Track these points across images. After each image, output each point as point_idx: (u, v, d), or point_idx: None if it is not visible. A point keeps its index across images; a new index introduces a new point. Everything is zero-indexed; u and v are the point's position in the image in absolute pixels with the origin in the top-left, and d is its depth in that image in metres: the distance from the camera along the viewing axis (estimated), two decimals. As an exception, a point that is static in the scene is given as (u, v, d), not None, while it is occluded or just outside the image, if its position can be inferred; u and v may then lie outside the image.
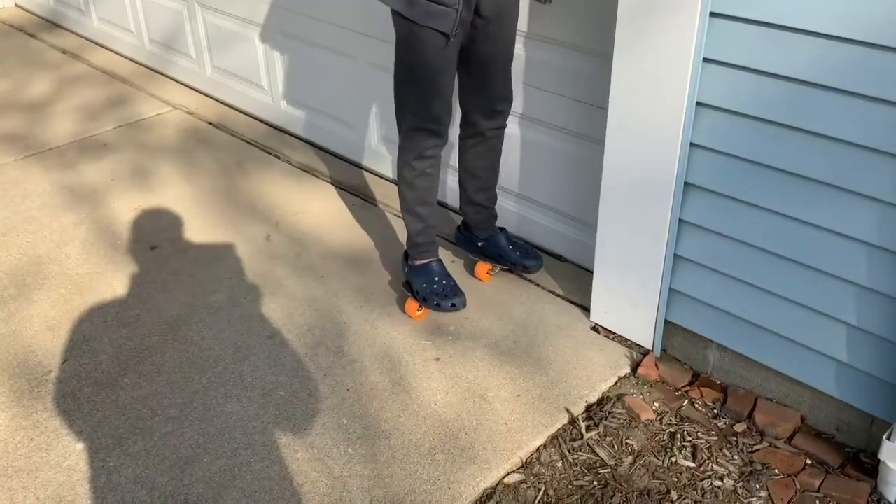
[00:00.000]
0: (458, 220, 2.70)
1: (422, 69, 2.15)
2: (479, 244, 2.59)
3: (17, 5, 5.30)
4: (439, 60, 2.14)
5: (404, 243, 2.54)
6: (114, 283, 2.65)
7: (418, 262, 2.43)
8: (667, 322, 2.29)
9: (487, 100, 2.33)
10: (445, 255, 2.70)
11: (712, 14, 1.86)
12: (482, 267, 2.64)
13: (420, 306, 2.44)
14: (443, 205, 3.02)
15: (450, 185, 2.98)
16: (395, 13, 2.13)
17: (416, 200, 2.36)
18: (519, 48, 2.51)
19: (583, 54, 2.39)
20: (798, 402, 2.12)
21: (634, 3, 1.95)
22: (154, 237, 2.90)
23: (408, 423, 2.11)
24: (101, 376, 2.27)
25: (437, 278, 2.40)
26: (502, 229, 2.61)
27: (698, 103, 1.97)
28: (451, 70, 2.18)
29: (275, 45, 3.43)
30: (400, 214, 2.97)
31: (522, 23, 2.47)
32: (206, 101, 3.94)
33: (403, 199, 2.38)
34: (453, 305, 2.36)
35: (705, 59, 1.91)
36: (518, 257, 2.57)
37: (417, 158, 2.28)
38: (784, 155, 1.87)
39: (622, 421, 2.13)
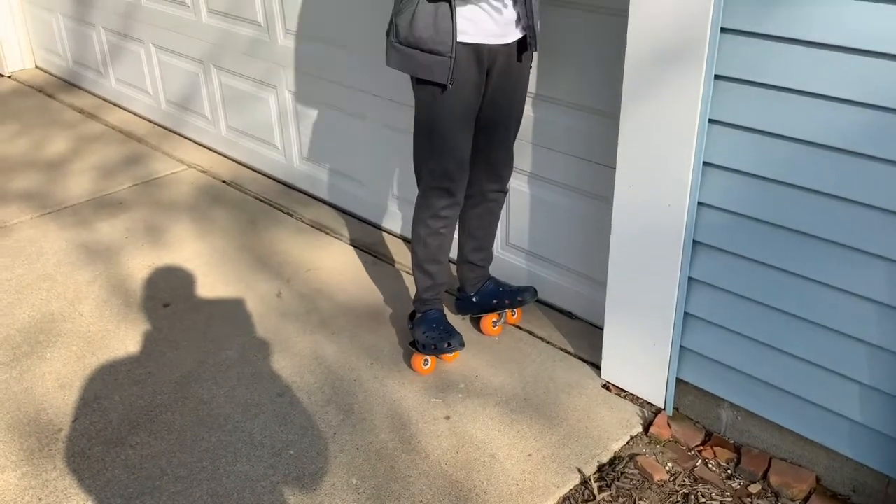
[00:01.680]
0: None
1: (438, 129, 2.20)
2: (474, 299, 2.62)
3: (37, 67, 5.44)
4: (454, 119, 2.19)
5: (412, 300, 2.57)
6: (126, 340, 2.66)
7: (419, 315, 2.47)
8: (678, 380, 2.28)
9: (490, 163, 2.38)
10: (451, 317, 2.71)
11: (717, 77, 1.90)
12: (487, 320, 2.65)
13: (425, 360, 2.46)
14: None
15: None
16: (412, 78, 2.19)
17: (427, 258, 2.40)
18: (528, 108, 2.56)
19: (591, 114, 2.43)
20: (813, 462, 2.09)
21: (640, 66, 2.00)
22: (167, 295, 2.92)
23: (417, 482, 2.09)
24: (111, 435, 2.27)
25: (434, 325, 2.43)
26: (490, 278, 2.63)
27: (705, 163, 1.99)
28: (466, 131, 2.24)
29: (288, 105, 3.50)
30: (410, 271, 3.00)
31: (531, 84, 2.52)
32: (219, 160, 4.00)
33: (415, 255, 2.42)
34: (449, 346, 2.38)
35: (711, 121, 1.94)
36: (511, 295, 2.60)
37: (432, 217, 2.33)
38: (791, 214, 1.89)
39: (635, 481, 2.11)
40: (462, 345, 2.40)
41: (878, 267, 1.79)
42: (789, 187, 1.88)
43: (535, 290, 2.63)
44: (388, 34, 2.17)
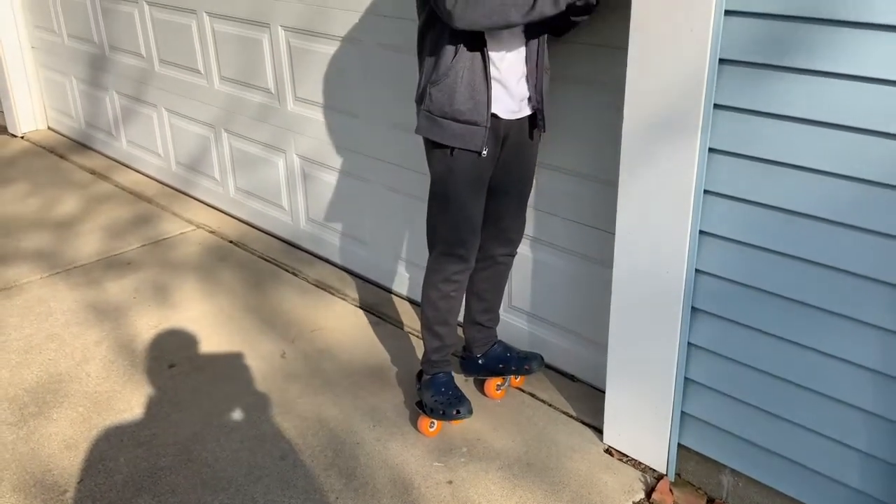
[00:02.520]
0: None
1: (453, 197, 2.27)
2: (480, 361, 2.64)
3: (49, 128, 5.57)
4: (469, 188, 2.26)
5: (420, 359, 2.59)
6: (132, 401, 2.69)
7: (427, 377, 2.50)
8: (680, 446, 2.29)
9: (501, 228, 2.44)
10: (456, 377, 2.73)
11: (711, 150, 1.96)
12: (490, 384, 2.67)
13: (432, 423, 2.47)
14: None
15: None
16: (427, 148, 2.27)
17: (437, 320, 2.44)
18: (529, 175, 2.63)
19: (591, 182, 2.50)
20: (814, 529, 2.10)
21: (637, 139, 2.06)
22: (173, 355, 2.95)
23: (420, 548, 2.09)
24: (115, 497, 2.28)
25: (443, 389, 2.46)
26: (498, 341, 2.66)
27: (702, 232, 2.05)
28: (480, 199, 2.31)
29: (296, 168, 3.59)
30: (415, 332, 3.03)
31: (532, 152, 2.59)
32: (227, 221, 4.08)
33: (425, 317, 2.46)
34: (458, 412, 2.39)
35: (706, 191, 2.00)
36: (518, 362, 2.62)
37: (443, 282, 2.38)
38: (785, 283, 1.93)
39: (637, 548, 2.11)
40: (470, 412, 2.41)
41: (870, 335, 1.83)
42: (783, 256, 1.93)
43: (543, 359, 2.65)
44: (419, 101, 2.24)
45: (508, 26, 2.03)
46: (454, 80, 2.12)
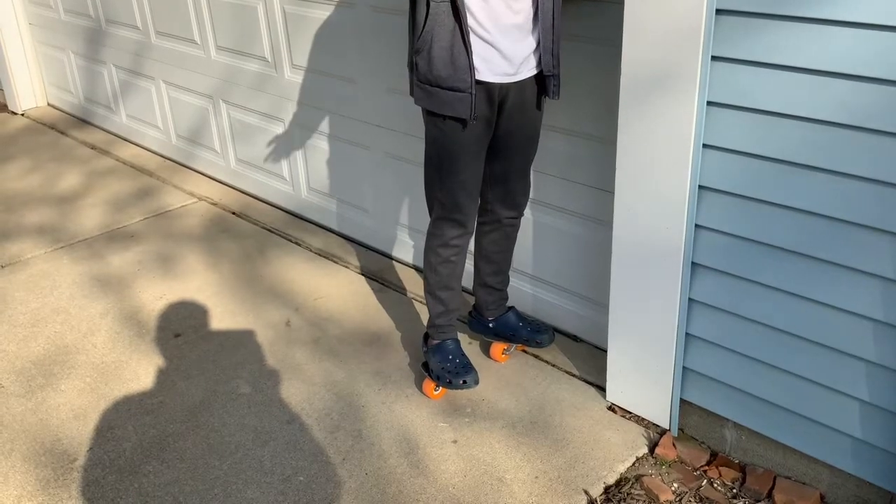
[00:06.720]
0: (472, 300, 2.75)
1: (448, 162, 2.25)
2: (491, 325, 2.65)
3: (49, 104, 5.55)
4: (464, 153, 2.23)
5: (425, 324, 2.60)
6: (138, 371, 2.71)
7: (435, 342, 2.50)
8: (682, 401, 2.31)
9: (507, 192, 2.42)
10: (461, 337, 2.74)
11: (709, 103, 1.95)
12: (497, 347, 2.68)
13: (437, 386, 2.49)
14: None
15: (466, 268, 3.04)
16: (423, 112, 2.25)
17: (439, 285, 2.44)
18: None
19: (590, 142, 2.49)
20: (817, 479, 2.11)
21: (634, 94, 2.05)
22: (178, 325, 2.97)
23: (426, 506, 2.12)
24: (124, 464, 2.31)
25: (450, 356, 2.46)
26: (511, 308, 2.66)
27: (701, 186, 2.04)
28: (476, 164, 2.28)
29: (295, 137, 3.58)
30: (417, 298, 3.04)
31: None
32: (229, 192, 4.08)
33: (427, 282, 2.46)
34: (464, 382, 2.40)
35: (705, 145, 1.99)
36: (529, 333, 2.62)
37: (442, 246, 2.38)
38: (786, 235, 1.93)
39: (641, 502, 2.13)
40: (476, 382, 2.42)
41: (871, 285, 1.83)
42: (783, 209, 1.92)
43: (554, 333, 2.65)
44: (410, 70, 2.21)
45: None
46: (430, 45, 2.07)
